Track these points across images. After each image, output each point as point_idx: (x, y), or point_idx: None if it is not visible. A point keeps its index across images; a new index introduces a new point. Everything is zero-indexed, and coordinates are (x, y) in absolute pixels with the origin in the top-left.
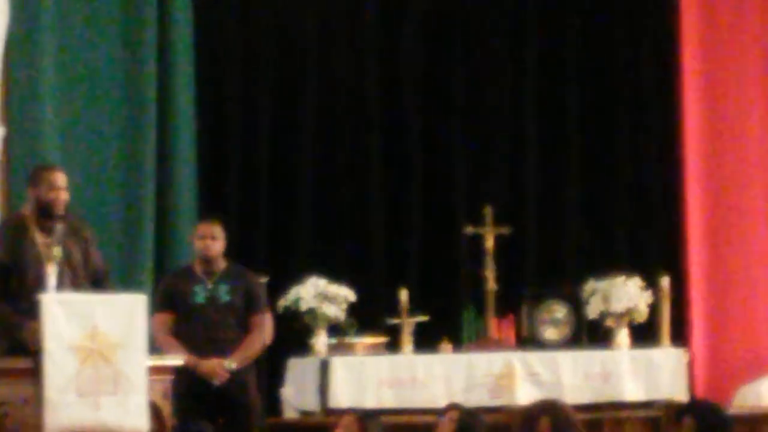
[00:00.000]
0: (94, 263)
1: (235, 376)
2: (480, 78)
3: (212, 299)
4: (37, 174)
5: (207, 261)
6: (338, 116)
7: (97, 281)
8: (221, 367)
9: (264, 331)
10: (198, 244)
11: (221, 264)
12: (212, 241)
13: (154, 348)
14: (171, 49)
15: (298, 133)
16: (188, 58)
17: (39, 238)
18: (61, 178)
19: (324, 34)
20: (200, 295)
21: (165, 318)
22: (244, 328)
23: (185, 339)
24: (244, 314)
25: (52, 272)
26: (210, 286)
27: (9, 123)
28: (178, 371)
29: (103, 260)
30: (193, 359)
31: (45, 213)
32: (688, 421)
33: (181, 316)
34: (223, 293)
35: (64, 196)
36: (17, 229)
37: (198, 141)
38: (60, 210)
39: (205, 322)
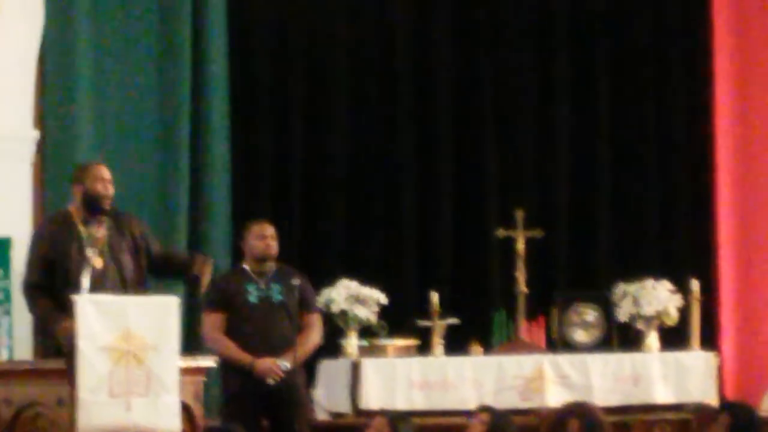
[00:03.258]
0: (156, 253)
1: (287, 375)
2: (512, 82)
3: (265, 299)
4: (82, 169)
5: (263, 261)
6: (370, 120)
7: (160, 267)
8: (276, 366)
9: (316, 330)
10: (258, 245)
11: (273, 264)
12: (272, 240)
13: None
14: (205, 52)
15: (331, 136)
16: (223, 61)
17: (85, 233)
18: (107, 172)
19: (354, 40)
20: (253, 294)
21: (218, 318)
22: (296, 328)
23: (238, 338)
24: (296, 314)
25: (86, 272)
26: (263, 285)
27: (44, 126)
28: (228, 371)
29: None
30: (248, 358)
31: (93, 206)
32: (723, 419)
33: (234, 315)
34: (276, 293)
35: (111, 188)
36: (63, 225)
37: (231, 143)
38: (107, 203)
39: (258, 322)
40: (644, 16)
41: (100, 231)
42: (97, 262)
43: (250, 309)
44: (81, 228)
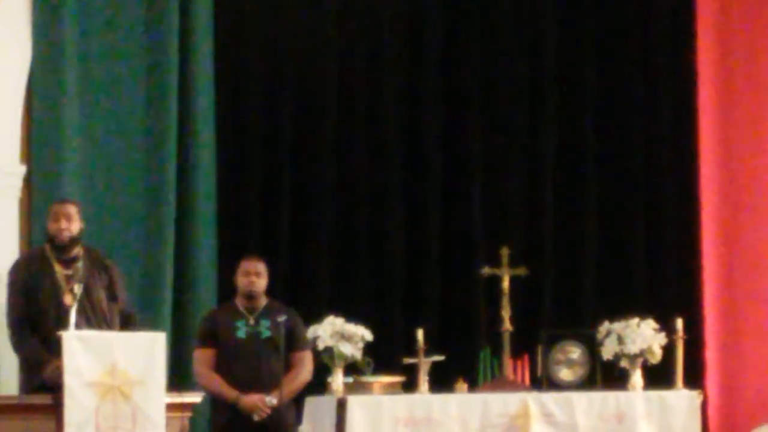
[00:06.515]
0: (120, 305)
1: (276, 412)
2: (500, 120)
3: (254, 335)
4: (49, 208)
5: (250, 297)
6: (358, 157)
7: (123, 323)
8: (263, 402)
9: (305, 368)
10: (242, 281)
11: (263, 300)
12: (257, 277)
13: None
14: (193, 88)
15: (318, 172)
16: (210, 95)
17: (59, 269)
18: (64, 207)
19: (344, 85)
20: (242, 330)
21: (207, 353)
22: (285, 364)
23: (227, 374)
24: (284, 351)
25: (72, 308)
26: (252, 322)
27: (30, 161)
28: (217, 405)
29: (130, 303)
30: (234, 393)
31: (52, 244)
32: None
33: (223, 351)
34: (265, 329)
35: (65, 223)
36: (37, 260)
37: (219, 178)
38: (61, 240)
39: (246, 358)
40: (632, 67)
41: (76, 273)
42: (68, 299)
43: (239, 345)
44: (56, 264)
